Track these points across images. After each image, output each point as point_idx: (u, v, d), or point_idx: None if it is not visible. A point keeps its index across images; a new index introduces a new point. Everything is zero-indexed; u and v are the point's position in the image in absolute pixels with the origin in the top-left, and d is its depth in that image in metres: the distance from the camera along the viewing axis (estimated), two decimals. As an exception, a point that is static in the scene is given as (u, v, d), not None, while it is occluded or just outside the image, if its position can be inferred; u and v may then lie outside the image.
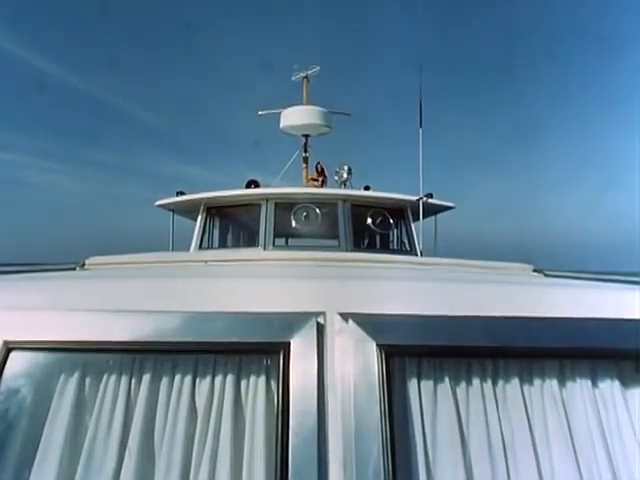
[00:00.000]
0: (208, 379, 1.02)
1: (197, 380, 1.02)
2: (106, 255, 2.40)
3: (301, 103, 7.58)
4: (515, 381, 1.04)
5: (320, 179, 7.83)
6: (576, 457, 0.99)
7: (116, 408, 0.99)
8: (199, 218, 6.16)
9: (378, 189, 6.73)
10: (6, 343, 1.00)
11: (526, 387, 1.05)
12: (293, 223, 5.78)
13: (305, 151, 7.47)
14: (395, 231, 6.49)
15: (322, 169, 7.96)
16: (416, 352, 1.04)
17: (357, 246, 5.85)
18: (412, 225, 6.22)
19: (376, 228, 6.03)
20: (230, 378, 1.02)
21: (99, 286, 1.30)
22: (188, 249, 6.01)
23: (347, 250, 5.51)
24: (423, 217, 6.12)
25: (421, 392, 1.01)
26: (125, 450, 0.97)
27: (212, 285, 1.26)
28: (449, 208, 6.49)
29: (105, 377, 1.02)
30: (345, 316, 1.03)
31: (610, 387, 1.05)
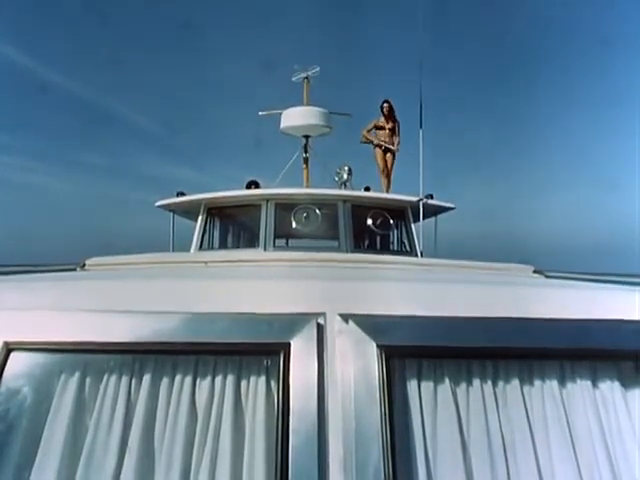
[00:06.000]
0: (208, 380, 1.02)
1: (197, 381, 1.02)
2: (106, 256, 2.39)
3: (301, 104, 7.57)
4: (515, 382, 1.04)
5: (389, 125, 6.29)
6: (576, 458, 0.99)
7: (116, 409, 0.99)
8: (199, 219, 6.16)
9: (378, 190, 6.74)
10: (6, 344, 1.00)
11: (526, 388, 1.04)
12: (293, 224, 5.77)
13: (305, 152, 7.45)
14: (395, 232, 6.48)
15: (390, 108, 6.28)
16: (416, 353, 1.03)
17: (357, 247, 5.85)
18: (412, 226, 6.21)
19: (376, 229, 6.02)
20: (230, 379, 1.02)
21: (99, 287, 1.30)
22: (188, 250, 6.01)
23: (347, 251, 5.50)
24: (423, 218, 6.12)
25: (421, 393, 1.01)
26: (125, 451, 0.97)
27: (212, 286, 1.26)
28: (449, 209, 6.49)
29: (105, 378, 1.02)
30: (345, 317, 1.03)
31: (610, 388, 1.05)
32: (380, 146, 6.56)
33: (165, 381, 1.02)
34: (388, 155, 6.59)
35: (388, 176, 6.71)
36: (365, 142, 6.72)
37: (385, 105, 6.53)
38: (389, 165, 6.68)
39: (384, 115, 6.54)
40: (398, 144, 6.58)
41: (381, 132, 6.55)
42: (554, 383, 1.04)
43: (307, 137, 7.42)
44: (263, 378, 1.02)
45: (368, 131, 6.73)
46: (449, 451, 0.97)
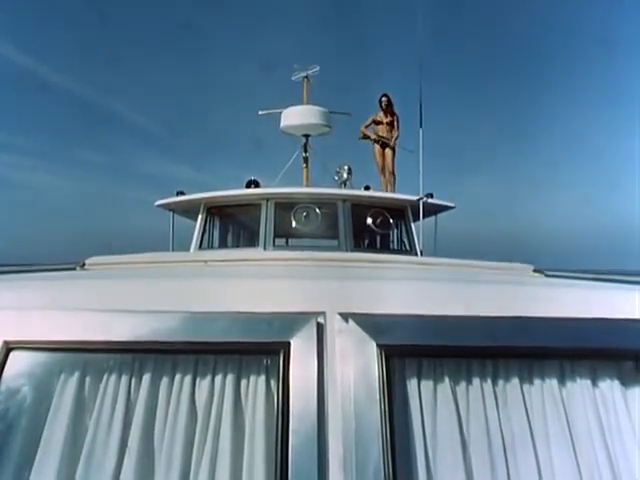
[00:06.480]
0: (208, 379, 1.02)
1: (197, 380, 1.02)
2: (106, 255, 2.39)
3: (301, 103, 7.56)
4: (515, 381, 1.04)
5: (387, 119, 6.10)
6: (576, 457, 0.99)
7: (116, 408, 0.99)
8: (199, 218, 6.17)
9: (378, 189, 6.73)
10: (6, 343, 1.00)
11: (526, 387, 1.04)
12: (293, 223, 5.77)
13: (305, 151, 7.44)
14: (395, 231, 6.48)
15: (389, 102, 6.05)
16: (416, 352, 1.03)
17: (357, 246, 5.85)
18: (412, 225, 6.22)
19: (376, 228, 6.02)
20: (230, 378, 1.02)
21: (99, 286, 1.30)
22: (188, 249, 6.01)
23: (347, 250, 5.51)
24: (423, 217, 6.12)
25: (421, 392, 1.01)
26: (125, 450, 0.97)
27: (212, 285, 1.26)
28: (449, 208, 6.49)
29: (105, 377, 1.02)
30: (345, 316, 1.03)
31: (610, 387, 1.05)
32: (377, 141, 6.43)
33: (165, 381, 1.02)
34: (387, 150, 6.46)
35: (390, 173, 6.61)
36: (363, 138, 6.60)
37: (384, 99, 6.41)
38: (389, 160, 6.55)
39: (382, 109, 6.41)
40: (396, 138, 6.44)
41: (379, 127, 6.42)
42: (554, 382, 1.04)
43: (307, 136, 7.40)
44: (263, 377, 1.02)
45: (366, 127, 6.61)
46: (449, 450, 0.97)
